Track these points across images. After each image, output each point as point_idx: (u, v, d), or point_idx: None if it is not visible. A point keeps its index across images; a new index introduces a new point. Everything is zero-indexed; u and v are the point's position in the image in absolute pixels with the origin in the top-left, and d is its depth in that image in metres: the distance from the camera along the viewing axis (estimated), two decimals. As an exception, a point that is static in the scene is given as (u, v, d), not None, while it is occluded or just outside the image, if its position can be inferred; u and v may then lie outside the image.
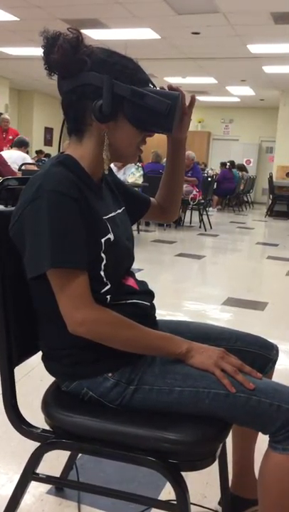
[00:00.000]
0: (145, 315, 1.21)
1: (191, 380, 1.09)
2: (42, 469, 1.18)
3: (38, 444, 1.14)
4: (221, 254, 6.63)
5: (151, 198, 1.43)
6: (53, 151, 14.53)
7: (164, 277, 4.95)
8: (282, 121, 12.43)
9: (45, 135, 15.83)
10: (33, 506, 1.51)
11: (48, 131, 15.90)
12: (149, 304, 1.24)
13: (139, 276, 1.29)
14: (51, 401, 1.17)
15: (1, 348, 1.15)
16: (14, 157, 6.32)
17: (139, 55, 1.29)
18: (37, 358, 1.23)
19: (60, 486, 1.60)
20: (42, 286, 1.07)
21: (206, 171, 11.15)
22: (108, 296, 1.13)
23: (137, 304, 1.19)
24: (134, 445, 1.07)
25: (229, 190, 12.21)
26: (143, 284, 1.28)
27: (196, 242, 7.29)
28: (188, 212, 8.95)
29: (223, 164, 12.66)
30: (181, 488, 1.04)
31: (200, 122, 16.24)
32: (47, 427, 1.16)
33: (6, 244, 1.12)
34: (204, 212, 8.58)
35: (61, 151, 1.21)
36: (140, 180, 7.09)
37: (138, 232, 7.22)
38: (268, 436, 1.09)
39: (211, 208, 11.17)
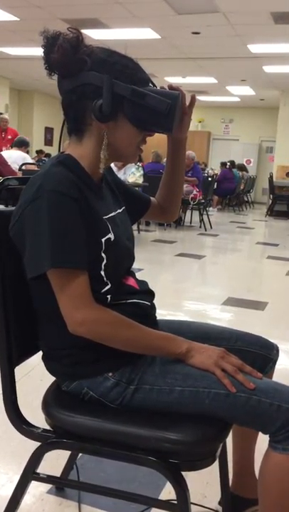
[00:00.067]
0: (145, 315, 1.21)
1: (192, 379, 1.09)
2: (42, 469, 1.18)
3: (38, 443, 1.14)
4: (221, 254, 6.63)
5: (152, 198, 1.42)
6: (53, 150, 14.53)
7: (164, 277, 4.95)
8: (283, 121, 12.43)
9: (45, 135, 15.83)
10: (34, 506, 1.51)
11: (49, 131, 15.90)
12: (149, 303, 1.24)
13: (139, 276, 1.29)
14: (51, 401, 1.17)
15: (1, 348, 1.15)
16: (14, 157, 6.32)
17: (139, 54, 1.28)
18: (37, 357, 1.23)
19: (60, 485, 1.60)
20: (42, 286, 1.07)
21: (206, 171, 11.16)
22: (108, 296, 1.13)
23: (138, 303, 1.19)
24: (135, 445, 1.07)
25: (229, 190, 12.21)
26: (143, 283, 1.28)
27: (196, 242, 7.29)
28: (188, 212, 8.95)
29: (223, 164, 12.66)
30: (181, 487, 1.04)
31: (200, 122, 16.24)
32: (47, 427, 1.16)
33: (6, 244, 1.12)
34: (204, 212, 8.58)
35: (61, 150, 1.21)
36: (140, 180, 7.09)
37: (138, 232, 7.22)
38: (268, 436, 1.09)
39: (211, 208, 11.17)
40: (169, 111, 1.09)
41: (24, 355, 1.23)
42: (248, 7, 6.63)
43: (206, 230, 8.20)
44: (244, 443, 1.43)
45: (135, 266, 1.28)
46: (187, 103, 1.22)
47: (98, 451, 1.12)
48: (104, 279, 1.12)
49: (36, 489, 1.57)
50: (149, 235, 7.42)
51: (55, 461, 1.59)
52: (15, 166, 5.99)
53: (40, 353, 1.22)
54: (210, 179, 9.14)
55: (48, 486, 1.58)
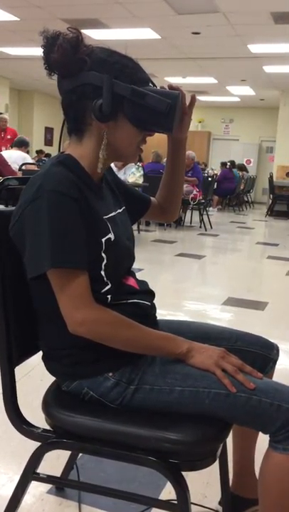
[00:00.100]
0: (146, 315, 1.21)
1: (192, 379, 1.09)
2: (42, 469, 1.18)
3: (38, 443, 1.14)
4: (221, 254, 6.63)
5: (152, 198, 1.42)
6: (53, 150, 14.53)
7: (165, 277, 4.95)
8: (283, 121, 12.42)
9: (45, 135, 15.83)
10: (34, 506, 1.51)
11: (49, 131, 15.90)
12: (149, 303, 1.24)
13: (139, 276, 1.29)
14: (51, 401, 1.17)
15: (1, 348, 1.15)
16: (14, 157, 6.32)
17: (140, 55, 1.28)
18: (37, 357, 1.23)
19: (60, 485, 1.60)
20: (42, 286, 1.07)
21: (206, 171, 11.15)
22: (109, 296, 1.13)
23: (138, 303, 1.19)
24: (135, 445, 1.07)
25: (229, 190, 12.21)
26: (143, 283, 1.28)
27: (196, 242, 7.29)
28: (188, 212, 8.95)
29: (223, 164, 12.66)
30: (181, 487, 1.04)
31: (200, 122, 16.24)
32: (47, 427, 1.16)
33: (6, 244, 1.12)
34: (204, 212, 8.58)
35: (61, 150, 1.20)
36: (140, 180, 7.09)
37: (138, 232, 7.22)
38: (268, 436, 1.09)
39: (211, 208, 11.17)
40: (169, 110, 1.08)
41: (24, 355, 1.22)
42: (248, 7, 6.63)
43: (206, 230, 8.20)
44: (244, 443, 1.43)
45: (135, 266, 1.28)
46: (187, 103, 1.22)
47: (98, 451, 1.12)
48: (105, 279, 1.12)
49: (36, 489, 1.56)
50: (149, 234, 7.42)
51: (55, 461, 1.59)
52: (15, 166, 5.99)
53: (40, 353, 1.22)
54: (210, 179, 9.14)
55: (48, 486, 1.58)
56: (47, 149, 14.13)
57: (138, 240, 6.11)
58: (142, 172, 7.25)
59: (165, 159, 1.43)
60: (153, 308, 1.26)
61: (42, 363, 1.21)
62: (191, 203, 8.10)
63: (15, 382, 1.17)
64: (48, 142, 15.87)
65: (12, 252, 1.11)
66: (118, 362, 1.13)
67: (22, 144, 6.82)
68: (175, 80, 11.49)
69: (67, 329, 1.06)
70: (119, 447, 1.07)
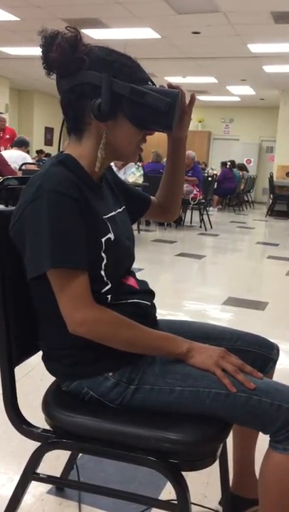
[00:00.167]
0: (146, 315, 1.21)
1: (192, 379, 1.09)
2: (42, 469, 1.18)
3: (38, 443, 1.14)
4: (221, 254, 6.63)
5: (152, 197, 1.42)
6: (53, 150, 14.52)
7: (165, 277, 4.95)
8: (283, 120, 12.42)
9: (45, 135, 15.83)
10: (34, 506, 1.51)
11: (49, 130, 15.90)
12: (149, 303, 1.23)
13: (139, 275, 1.29)
14: (51, 401, 1.17)
15: (1, 347, 1.15)
16: (14, 157, 6.32)
17: (140, 54, 1.28)
18: (37, 357, 1.23)
19: (60, 485, 1.59)
20: (42, 286, 1.07)
21: (206, 171, 11.15)
22: (109, 296, 1.13)
23: (138, 303, 1.19)
24: (135, 445, 1.06)
25: (230, 190, 12.20)
26: (143, 283, 1.28)
27: (196, 241, 7.29)
28: (188, 212, 8.95)
29: (223, 164, 12.65)
30: (181, 487, 1.04)
31: (200, 122, 16.23)
32: (47, 427, 1.16)
33: (6, 244, 1.12)
34: (205, 212, 8.58)
35: (61, 150, 1.20)
36: (140, 180, 7.08)
37: (138, 232, 7.21)
38: (268, 436, 1.09)
39: (211, 208, 11.17)
40: (169, 109, 1.08)
41: (24, 355, 1.22)
42: (248, 7, 6.63)
43: (206, 230, 8.20)
44: (244, 443, 1.43)
45: (135, 266, 1.28)
46: (187, 102, 1.22)
47: (98, 451, 1.12)
48: (105, 279, 1.12)
49: (36, 489, 1.56)
50: (149, 234, 7.42)
51: (55, 461, 1.59)
52: (15, 166, 5.99)
53: (40, 353, 1.22)
54: (210, 179, 9.14)
55: (48, 486, 1.58)
56: (47, 149, 14.13)
57: (138, 240, 6.11)
58: (142, 172, 7.25)
59: (165, 159, 1.42)
60: (153, 308, 1.26)
61: (42, 363, 1.21)
62: (191, 202, 8.10)
63: (15, 382, 1.17)
64: (48, 142, 15.87)
65: (12, 252, 1.11)
66: (118, 362, 1.13)
67: (22, 144, 6.82)
68: (175, 80, 11.48)
69: (67, 329, 1.06)
70: (119, 447, 1.07)
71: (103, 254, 1.11)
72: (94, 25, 7.94)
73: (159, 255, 5.97)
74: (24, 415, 1.18)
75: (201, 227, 8.44)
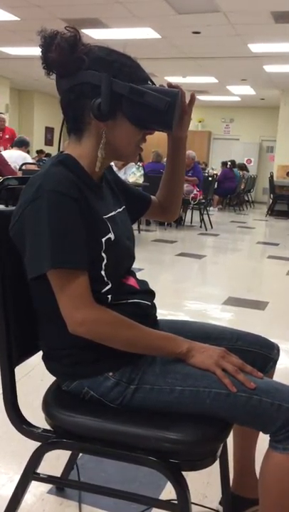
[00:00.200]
0: (146, 315, 1.21)
1: (192, 379, 1.09)
2: (43, 469, 1.18)
3: (38, 443, 1.14)
4: (221, 254, 6.63)
5: (152, 197, 1.42)
6: (53, 150, 14.52)
7: (165, 277, 4.95)
8: (283, 120, 12.42)
9: (45, 135, 15.84)
10: (34, 506, 1.51)
11: (49, 130, 15.90)
12: (149, 303, 1.23)
13: (139, 275, 1.29)
14: (52, 401, 1.17)
15: (1, 347, 1.15)
16: (15, 157, 6.32)
17: (140, 54, 1.28)
18: (37, 357, 1.23)
19: (60, 485, 1.59)
20: (42, 286, 1.07)
21: (206, 171, 11.14)
22: (109, 296, 1.13)
23: (138, 303, 1.19)
24: (135, 445, 1.06)
25: (230, 190, 12.20)
26: (144, 283, 1.28)
27: (196, 241, 7.29)
28: (188, 212, 8.95)
29: (224, 163, 12.65)
30: (181, 487, 1.04)
31: (200, 122, 16.23)
32: (47, 427, 1.16)
33: (6, 245, 1.12)
34: (205, 212, 8.58)
35: (61, 150, 1.20)
36: (141, 180, 7.09)
37: (139, 232, 7.21)
38: (268, 435, 1.09)
39: (211, 208, 11.16)
40: (168, 109, 1.08)
41: (24, 355, 1.22)
42: (248, 6, 6.63)
43: (206, 230, 8.20)
44: (245, 443, 1.43)
45: (135, 266, 1.28)
46: (187, 101, 1.22)
47: (98, 451, 1.11)
48: (105, 279, 1.12)
49: (37, 489, 1.56)
50: (150, 234, 7.42)
51: (55, 461, 1.59)
52: (15, 166, 5.99)
53: (41, 352, 1.22)
54: (210, 179, 9.14)
55: (48, 486, 1.58)
56: (47, 149, 14.13)
57: (138, 240, 6.10)
58: (142, 172, 7.25)
59: (165, 159, 1.42)
60: (153, 308, 1.26)
61: (42, 363, 1.21)
62: (192, 202, 8.10)
63: (15, 382, 1.17)
64: (49, 142, 15.87)
65: (12, 252, 1.11)
66: (118, 362, 1.13)
67: (22, 144, 6.82)
68: (175, 80, 11.45)
69: (68, 329, 1.06)
70: (119, 447, 1.07)
71: (103, 254, 1.10)
72: (94, 25, 7.94)
73: (159, 255, 5.97)
74: (24, 415, 1.18)
75: (201, 227, 8.44)
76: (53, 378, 1.23)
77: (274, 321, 3.54)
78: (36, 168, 6.20)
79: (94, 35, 8.21)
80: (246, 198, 14.06)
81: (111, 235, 1.13)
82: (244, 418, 1.08)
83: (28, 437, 1.16)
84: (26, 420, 1.17)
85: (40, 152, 12.70)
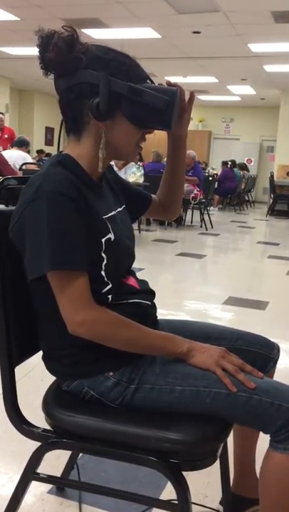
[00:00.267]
0: (146, 314, 1.20)
1: (192, 379, 1.09)
2: (43, 469, 1.17)
3: (38, 443, 1.14)
4: (222, 254, 6.63)
5: (153, 195, 1.42)
6: (53, 150, 14.51)
7: (165, 277, 4.95)
8: (283, 120, 12.41)
9: (46, 135, 15.84)
10: (34, 506, 1.51)
11: (49, 130, 15.90)
12: (150, 303, 1.23)
13: (139, 275, 1.29)
14: (52, 401, 1.17)
15: (1, 347, 1.15)
16: (15, 156, 6.32)
17: (140, 54, 1.28)
18: (37, 357, 1.23)
19: (61, 485, 1.59)
20: (42, 286, 1.07)
21: (207, 170, 11.14)
22: (109, 296, 1.13)
23: (139, 303, 1.19)
24: (135, 445, 1.06)
25: (230, 190, 12.20)
26: (144, 283, 1.28)
27: (197, 241, 7.28)
28: (189, 212, 8.94)
29: (224, 163, 12.65)
30: (182, 487, 1.04)
31: (201, 122, 16.22)
32: (48, 427, 1.15)
33: (6, 245, 1.12)
34: (205, 212, 8.58)
35: (60, 150, 1.20)
36: (141, 180, 7.09)
37: (139, 232, 7.21)
38: (268, 435, 1.09)
39: (212, 207, 11.16)
40: (167, 107, 1.07)
41: (24, 355, 1.22)
42: (248, 6, 6.63)
43: (206, 230, 8.20)
44: (245, 442, 1.43)
45: (136, 265, 1.28)
46: (186, 99, 1.21)
47: (99, 451, 1.11)
48: (105, 279, 1.12)
49: (37, 489, 1.56)
50: (150, 234, 7.42)
51: (55, 461, 1.59)
52: (15, 166, 5.99)
53: (41, 352, 1.22)
54: (210, 179, 9.13)
55: (48, 486, 1.58)
56: (47, 149, 14.13)
57: (139, 240, 6.11)
58: (142, 172, 7.25)
59: (165, 159, 1.42)
60: (153, 307, 1.25)
61: (42, 363, 1.20)
62: (192, 202, 8.10)
63: (15, 382, 1.17)
64: (49, 142, 15.87)
65: (12, 252, 1.10)
66: (118, 361, 1.13)
67: (22, 144, 6.81)
68: (176, 80, 11.20)
69: (68, 329, 1.06)
70: (119, 447, 1.07)
71: (103, 255, 1.10)
72: (94, 25, 7.94)
73: (159, 255, 5.97)
74: (24, 415, 1.18)
75: (201, 226, 8.43)
76: (53, 378, 1.23)
77: (274, 320, 3.54)
78: (36, 168, 6.20)
79: (94, 35, 8.21)
80: (246, 198, 14.06)
81: (111, 235, 1.12)
82: (244, 418, 1.08)
83: (28, 437, 1.16)
84: (26, 420, 1.17)
85: (40, 152, 12.70)
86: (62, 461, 1.56)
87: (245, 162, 14.56)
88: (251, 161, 15.73)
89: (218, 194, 12.06)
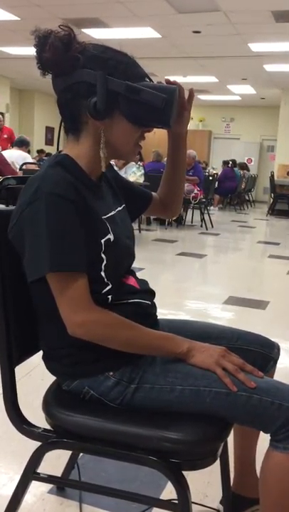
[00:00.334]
0: (146, 314, 1.20)
1: (192, 378, 1.09)
2: (43, 469, 1.17)
3: (38, 443, 1.14)
4: (222, 253, 6.63)
5: (153, 193, 1.41)
6: (54, 150, 14.20)
7: (165, 276, 4.95)
8: (284, 119, 12.41)
9: (46, 134, 15.84)
10: (34, 506, 1.51)
11: (49, 130, 15.91)
12: (150, 303, 1.23)
13: (140, 275, 1.28)
14: (52, 400, 1.17)
15: (1, 347, 1.15)
16: (15, 156, 6.32)
17: (140, 54, 1.28)
18: (38, 357, 1.23)
19: (61, 485, 1.59)
20: (42, 287, 1.06)
21: (207, 170, 11.14)
22: (109, 297, 1.13)
23: (139, 303, 1.19)
24: (135, 444, 1.06)
25: (231, 189, 12.20)
26: (144, 283, 1.28)
27: (197, 241, 7.28)
28: (189, 211, 8.94)
29: (225, 163, 12.65)
30: (182, 487, 1.04)
31: (201, 121, 16.22)
32: (48, 427, 1.15)
33: (6, 245, 1.11)
34: (205, 211, 8.58)
35: (60, 150, 1.20)
36: (141, 180, 7.08)
37: (139, 231, 7.21)
38: (269, 435, 1.09)
39: (212, 207, 11.16)
40: (165, 105, 1.06)
41: (24, 355, 1.22)
42: (248, 6, 6.62)
43: (207, 229, 8.20)
44: (245, 442, 1.43)
45: (136, 265, 1.28)
46: (186, 97, 1.21)
47: (99, 451, 1.11)
48: (105, 279, 1.11)
49: (37, 489, 1.56)
50: (150, 234, 7.42)
51: (55, 461, 1.59)
52: (15, 166, 5.99)
53: (41, 352, 1.22)
54: (211, 178, 9.14)
55: (48, 486, 1.58)
56: (48, 149, 14.13)
57: (139, 240, 6.11)
58: (142, 171, 7.25)
59: (166, 158, 1.42)
60: (153, 307, 1.25)
61: (42, 363, 1.20)
62: (192, 202, 8.10)
63: (15, 381, 1.17)
64: (49, 142, 15.88)
65: (12, 252, 1.10)
66: (118, 361, 1.13)
67: (22, 144, 6.82)
68: (176, 79, 11.42)
69: (67, 330, 1.06)
70: (119, 447, 1.07)
71: (103, 255, 1.10)
72: (94, 25, 7.94)
73: (159, 255, 5.97)
74: (25, 415, 1.17)
75: (202, 226, 8.43)
76: (53, 378, 1.23)
77: (274, 320, 3.54)
78: (37, 168, 6.20)
79: (94, 34, 8.21)
80: (247, 198, 14.06)
81: (110, 236, 1.12)
82: (244, 417, 1.08)
83: (28, 437, 1.16)
84: (27, 420, 1.17)
85: (40, 152, 12.71)
86: (63, 461, 1.56)
87: (245, 162, 14.55)
88: (251, 161, 15.73)
89: (219, 194, 12.06)
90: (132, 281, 1.23)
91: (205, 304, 3.82)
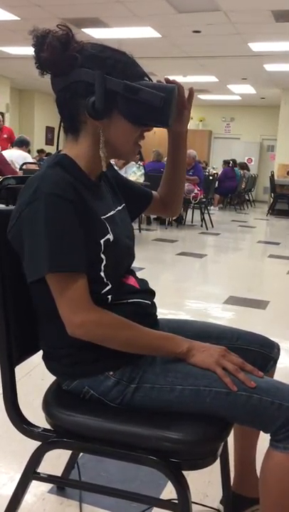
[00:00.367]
0: (146, 314, 1.20)
1: (192, 378, 1.09)
2: (43, 468, 1.17)
3: (38, 443, 1.14)
4: (222, 253, 6.63)
5: (154, 192, 1.41)
6: (54, 150, 14.29)
7: (166, 276, 4.95)
8: (284, 119, 12.41)
9: (46, 134, 15.85)
10: (35, 505, 1.51)
11: (50, 130, 15.91)
12: (150, 302, 1.23)
13: (140, 275, 1.28)
14: (52, 400, 1.17)
15: (1, 347, 1.15)
16: (15, 156, 6.32)
17: (140, 53, 1.28)
18: (38, 357, 1.23)
19: (61, 485, 1.59)
20: (42, 287, 1.06)
21: (207, 170, 11.14)
22: (109, 297, 1.13)
23: (139, 303, 1.19)
24: (135, 444, 1.06)
25: (231, 189, 12.20)
26: (144, 282, 1.28)
27: (197, 240, 7.28)
28: (189, 211, 8.94)
29: (226, 162, 12.65)
30: (182, 487, 1.04)
31: (201, 121, 16.22)
32: (48, 426, 1.15)
33: (6, 245, 1.11)
34: (206, 211, 8.58)
35: (59, 149, 1.20)
36: (141, 179, 7.08)
37: (139, 231, 7.21)
38: (269, 435, 1.09)
39: (212, 207, 11.16)
40: (164, 104, 1.06)
41: (24, 355, 1.22)
42: (248, 5, 6.62)
43: (207, 229, 8.20)
44: (245, 442, 1.43)
45: (136, 265, 1.28)
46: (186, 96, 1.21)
47: (99, 451, 1.11)
48: (105, 279, 1.11)
49: (37, 488, 1.56)
50: (150, 234, 7.42)
51: (56, 461, 1.59)
52: (15, 165, 5.99)
53: (41, 352, 1.22)
54: (211, 178, 9.13)
55: (49, 486, 1.58)
56: (48, 148, 14.14)
57: (139, 239, 6.11)
58: (142, 171, 7.25)
59: (166, 158, 1.41)
60: (154, 307, 1.25)
61: (42, 363, 1.20)
62: (192, 201, 8.10)
63: (15, 381, 1.17)
64: (49, 141, 15.88)
65: (12, 252, 1.10)
66: (118, 361, 1.13)
67: (23, 144, 6.82)
68: (176, 79, 11.42)
69: (67, 331, 1.06)
70: (119, 447, 1.07)
71: (102, 256, 1.10)
72: (94, 25, 7.94)
73: (160, 254, 5.97)
74: (25, 415, 1.17)
75: (202, 226, 8.43)
76: (53, 378, 1.23)
77: (275, 320, 3.54)
78: (37, 168, 6.21)
79: (94, 34, 8.21)
80: (247, 197, 14.06)
81: (110, 236, 1.12)
82: (244, 417, 1.08)
83: (28, 437, 1.16)
84: (27, 420, 1.17)
85: (41, 152, 12.71)
86: (63, 460, 1.56)
87: (245, 161, 14.55)
88: (252, 161, 15.72)
89: (219, 193, 12.06)
90: (132, 281, 1.23)
91: (205, 304, 3.82)
